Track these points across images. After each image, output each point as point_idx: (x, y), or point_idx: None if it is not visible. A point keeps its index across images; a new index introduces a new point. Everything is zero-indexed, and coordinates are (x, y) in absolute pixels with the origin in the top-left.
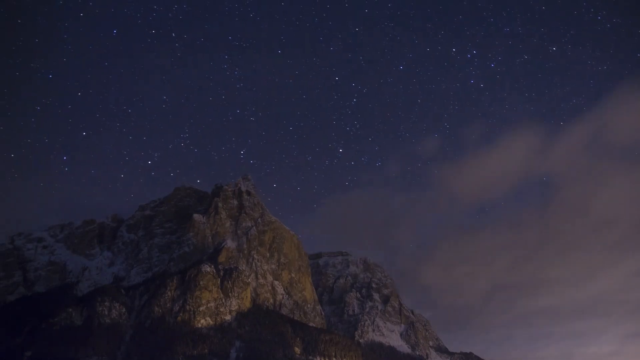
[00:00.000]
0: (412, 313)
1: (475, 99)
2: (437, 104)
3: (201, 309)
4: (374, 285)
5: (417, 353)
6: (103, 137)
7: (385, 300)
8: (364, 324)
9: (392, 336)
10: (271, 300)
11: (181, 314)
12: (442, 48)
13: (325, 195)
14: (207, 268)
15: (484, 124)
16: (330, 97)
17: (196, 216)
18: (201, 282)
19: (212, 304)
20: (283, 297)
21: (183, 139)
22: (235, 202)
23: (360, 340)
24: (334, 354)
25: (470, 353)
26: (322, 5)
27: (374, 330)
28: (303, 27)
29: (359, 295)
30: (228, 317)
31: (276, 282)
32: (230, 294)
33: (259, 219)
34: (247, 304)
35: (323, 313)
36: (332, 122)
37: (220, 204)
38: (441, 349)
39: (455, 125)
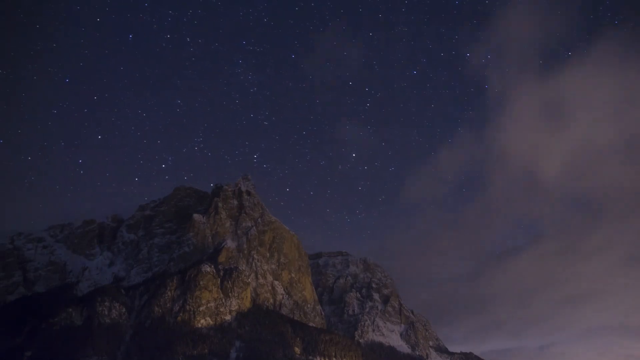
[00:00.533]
0: (412, 313)
1: (490, 104)
2: (451, 109)
3: (201, 309)
4: (374, 285)
5: (417, 353)
6: (118, 140)
7: (385, 300)
8: (364, 324)
9: (392, 336)
10: (271, 300)
11: (181, 314)
12: (456, 53)
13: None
14: (207, 268)
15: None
16: (344, 101)
17: (196, 216)
18: (201, 282)
19: (212, 304)
20: (283, 297)
21: (197, 143)
22: (235, 202)
23: (360, 340)
24: (334, 354)
25: (470, 353)
26: (336, 10)
27: (374, 330)
28: (317, 32)
29: (359, 295)
30: (228, 317)
31: (276, 282)
32: (230, 294)
33: (259, 219)
34: (247, 304)
35: (323, 313)
36: (345, 126)
37: (220, 204)
38: (441, 349)
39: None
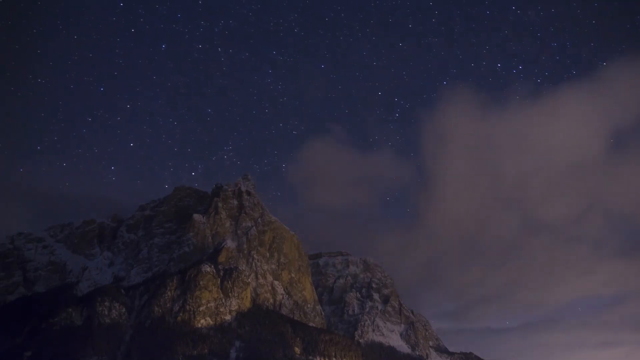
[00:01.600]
0: (412, 313)
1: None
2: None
3: (201, 309)
4: (374, 285)
5: (417, 353)
6: (149, 148)
7: (385, 300)
8: (364, 324)
9: (392, 336)
10: (271, 300)
11: (181, 314)
12: (486, 63)
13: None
14: (207, 268)
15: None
16: (373, 111)
17: (196, 216)
18: (201, 282)
19: (212, 304)
20: (283, 297)
21: (226, 152)
22: (235, 202)
23: (360, 340)
24: (334, 354)
25: (470, 353)
26: (366, 20)
27: (374, 330)
28: (347, 42)
29: (359, 295)
30: (228, 317)
31: (276, 282)
32: (230, 294)
33: (259, 219)
34: (247, 304)
35: (323, 313)
36: (374, 137)
37: (220, 204)
38: (441, 349)
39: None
